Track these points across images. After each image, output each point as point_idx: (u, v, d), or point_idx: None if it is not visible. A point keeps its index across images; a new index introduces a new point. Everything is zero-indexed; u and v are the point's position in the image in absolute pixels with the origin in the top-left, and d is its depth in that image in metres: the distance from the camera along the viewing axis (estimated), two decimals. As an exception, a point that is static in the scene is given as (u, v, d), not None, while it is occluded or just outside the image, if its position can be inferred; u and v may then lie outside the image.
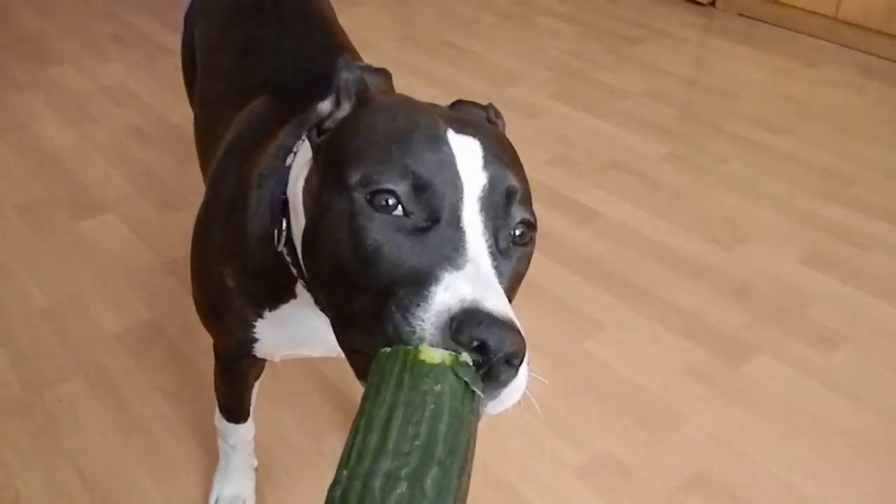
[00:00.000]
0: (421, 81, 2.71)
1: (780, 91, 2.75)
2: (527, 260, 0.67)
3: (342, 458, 0.48)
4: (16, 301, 1.66)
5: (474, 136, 0.67)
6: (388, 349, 0.53)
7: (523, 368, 0.57)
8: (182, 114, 2.40)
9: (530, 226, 0.67)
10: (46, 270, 1.75)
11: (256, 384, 1.17)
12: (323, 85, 0.78)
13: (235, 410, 1.18)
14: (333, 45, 1.20)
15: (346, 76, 0.74)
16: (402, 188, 0.61)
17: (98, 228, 1.89)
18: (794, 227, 2.01)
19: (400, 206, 0.61)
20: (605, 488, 1.32)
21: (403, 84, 2.66)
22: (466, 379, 0.51)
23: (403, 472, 0.45)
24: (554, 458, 1.37)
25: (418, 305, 0.55)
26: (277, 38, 1.15)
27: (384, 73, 0.78)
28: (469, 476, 0.49)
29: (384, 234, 0.60)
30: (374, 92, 0.74)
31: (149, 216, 1.95)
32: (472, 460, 0.50)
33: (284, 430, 1.41)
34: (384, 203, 0.61)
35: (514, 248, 0.65)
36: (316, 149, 0.72)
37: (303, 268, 0.75)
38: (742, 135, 2.44)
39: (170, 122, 2.38)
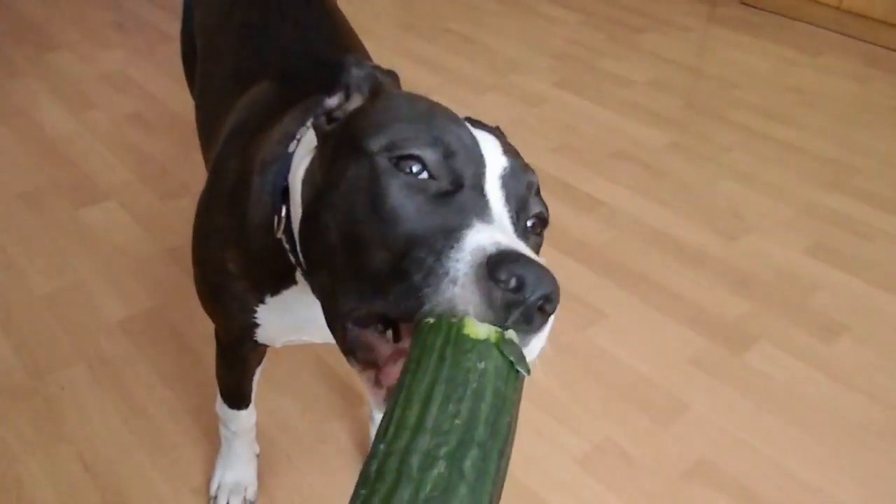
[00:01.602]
0: (423, 69, 2.70)
1: (783, 81, 2.74)
2: (537, 250, 0.67)
3: (378, 431, 0.47)
4: (18, 288, 1.66)
5: (489, 132, 0.70)
6: (431, 321, 0.50)
7: (551, 320, 0.55)
8: (183, 101, 2.39)
9: (543, 221, 0.68)
10: (48, 258, 1.75)
11: (258, 371, 1.17)
12: (326, 71, 0.78)
13: (237, 397, 1.18)
14: (335, 30, 1.19)
15: (357, 72, 0.74)
16: (429, 155, 0.61)
17: (100, 216, 1.89)
18: (798, 217, 2.01)
19: (426, 172, 0.61)
20: (608, 476, 1.32)
21: (406, 72, 2.65)
22: (511, 358, 0.49)
23: (442, 451, 0.44)
24: (556, 445, 1.37)
25: (452, 247, 0.54)
26: (279, 24, 1.14)
27: (393, 75, 0.78)
28: (508, 460, 0.47)
29: (408, 194, 0.60)
30: (387, 88, 0.74)
31: (150, 203, 1.94)
32: (512, 444, 0.48)
33: (286, 416, 1.41)
34: (409, 168, 0.61)
35: (529, 234, 0.66)
36: (324, 136, 0.72)
37: (300, 256, 0.74)
38: (746, 124, 2.43)
39: (171, 109, 2.37)
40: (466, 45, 2.91)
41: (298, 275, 0.83)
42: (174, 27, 2.97)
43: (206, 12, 1.29)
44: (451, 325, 0.49)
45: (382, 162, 0.61)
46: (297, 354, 1.52)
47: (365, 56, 1.21)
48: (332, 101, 0.74)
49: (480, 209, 0.59)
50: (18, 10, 3.06)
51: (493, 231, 0.55)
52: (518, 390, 0.50)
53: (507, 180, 0.64)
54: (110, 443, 1.33)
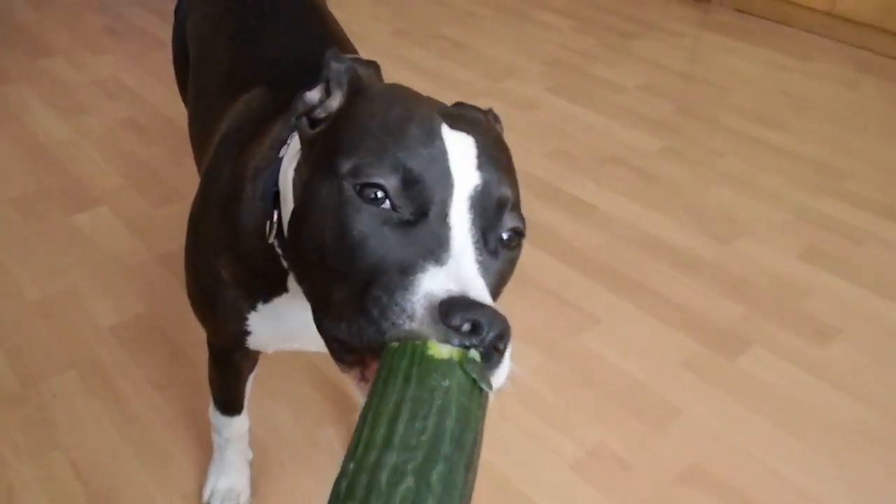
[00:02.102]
0: (416, 75, 2.70)
1: (775, 86, 2.75)
2: (512, 264, 0.67)
3: (349, 450, 0.48)
4: (9, 294, 1.65)
5: (469, 133, 0.67)
6: (396, 344, 0.53)
7: (507, 355, 0.57)
8: (176, 106, 2.39)
9: (519, 233, 0.67)
10: (40, 264, 1.74)
11: (250, 377, 1.17)
12: (318, 77, 0.77)
13: (229, 403, 1.18)
14: (328, 36, 1.19)
15: (336, 66, 0.73)
16: (391, 183, 0.61)
17: (92, 222, 1.88)
18: (790, 221, 2.01)
19: (388, 200, 0.61)
20: (602, 481, 1.32)
21: (399, 78, 2.66)
22: (474, 375, 0.51)
23: (410, 466, 0.45)
24: (550, 450, 1.37)
25: (406, 289, 0.55)
26: (272, 30, 1.14)
27: (374, 65, 0.78)
28: (475, 473, 0.49)
29: (370, 225, 0.60)
30: (367, 82, 0.73)
31: (143, 209, 1.94)
32: (478, 457, 0.50)
33: (279, 423, 1.40)
34: (373, 196, 0.61)
35: (501, 251, 0.65)
36: (308, 140, 0.72)
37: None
38: (738, 129, 2.44)
39: (164, 115, 2.36)
40: (459, 51, 2.92)
41: (290, 282, 0.83)
42: (167, 33, 2.96)
43: (199, 19, 1.29)
44: (415, 346, 0.52)
45: (348, 189, 0.61)
46: (290, 361, 1.52)
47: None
48: (313, 96, 0.73)
49: (439, 245, 0.59)
50: (11, 16, 3.05)
51: (446, 276, 0.56)
52: (482, 406, 0.52)
53: (477, 200, 0.63)
54: (102, 450, 1.33)
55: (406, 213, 0.61)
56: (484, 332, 0.53)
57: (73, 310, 1.61)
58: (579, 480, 1.32)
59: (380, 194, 0.61)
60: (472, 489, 0.49)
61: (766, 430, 1.43)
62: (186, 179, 2.05)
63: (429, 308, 0.54)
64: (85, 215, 1.91)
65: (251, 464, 1.30)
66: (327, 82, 0.73)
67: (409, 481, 0.45)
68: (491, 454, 1.35)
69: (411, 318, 0.54)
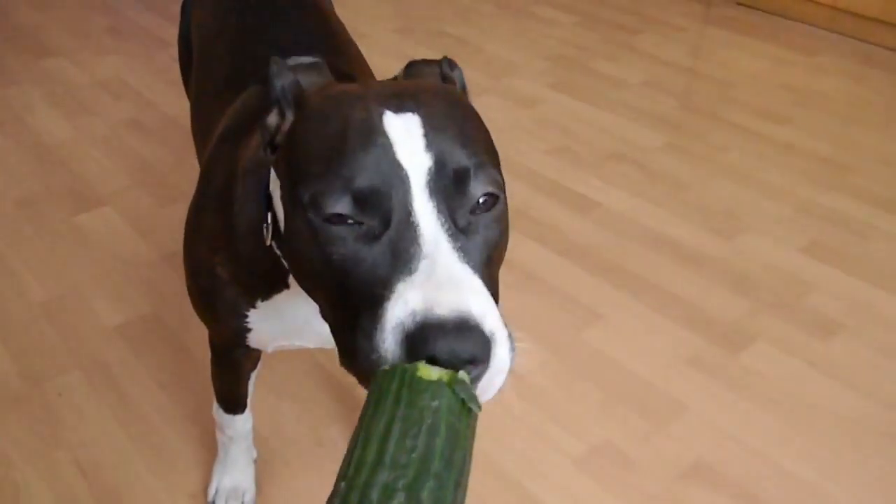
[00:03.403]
0: (419, 73, 2.69)
1: (778, 80, 2.75)
2: (497, 223, 0.63)
3: (340, 470, 0.49)
4: (14, 295, 1.66)
5: (415, 110, 0.64)
6: (386, 368, 0.54)
7: (501, 350, 0.56)
8: (180, 106, 2.39)
9: (494, 196, 0.63)
10: (45, 264, 1.75)
11: (253, 375, 1.17)
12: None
13: (232, 401, 1.18)
14: (329, 34, 1.19)
15: (279, 83, 0.70)
16: (346, 207, 0.60)
17: (96, 222, 1.89)
18: (794, 216, 2.01)
19: (350, 219, 0.60)
20: (606, 477, 1.32)
21: (401, 75, 2.66)
22: (463, 396, 0.52)
23: (401, 483, 0.46)
24: (553, 447, 1.37)
25: (375, 328, 0.56)
26: (273, 28, 1.14)
27: (317, 66, 0.74)
28: (465, 490, 0.50)
29: (344, 247, 0.60)
30: (308, 94, 0.70)
31: (147, 209, 1.94)
32: (468, 475, 0.51)
33: (283, 421, 1.41)
34: (337, 219, 0.60)
35: (479, 218, 0.62)
36: (274, 166, 0.72)
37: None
38: (741, 124, 2.44)
39: (167, 115, 2.37)
40: (461, 48, 2.92)
41: (291, 279, 0.83)
42: (170, 33, 2.97)
43: (203, 16, 1.30)
44: (405, 369, 0.52)
45: (314, 220, 0.61)
46: (294, 359, 1.52)
47: (358, 58, 1.21)
48: (272, 121, 0.72)
49: (405, 251, 0.58)
50: (14, 18, 3.06)
51: (413, 289, 0.55)
52: (471, 426, 0.53)
53: (435, 182, 0.60)
54: (108, 449, 1.33)
55: (372, 224, 0.60)
56: (456, 359, 0.53)
57: (78, 310, 1.62)
58: (583, 477, 1.32)
59: (340, 217, 0.60)
60: None
61: (770, 426, 1.43)
62: (190, 179, 2.05)
63: (399, 343, 0.55)
64: (89, 216, 1.91)
65: (256, 462, 1.31)
66: (278, 103, 0.71)
67: (401, 498, 0.45)
68: (493, 450, 1.35)
69: (385, 357, 0.55)
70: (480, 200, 0.62)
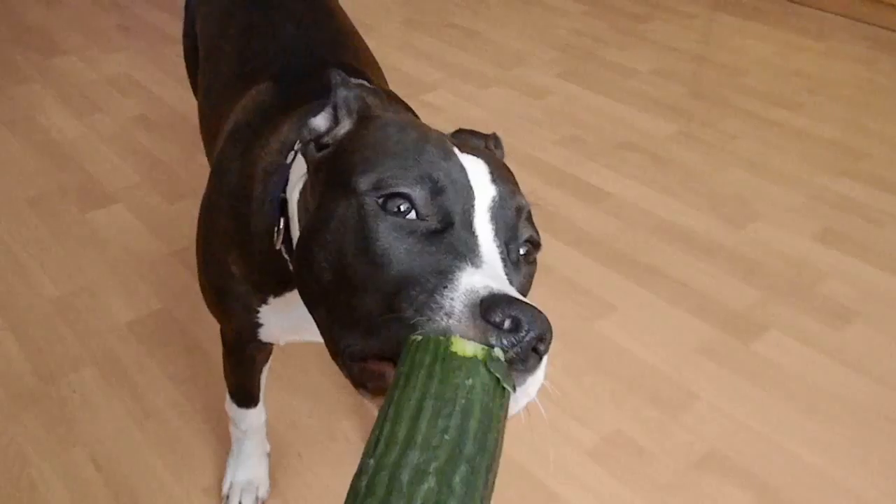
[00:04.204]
0: (427, 65, 2.69)
1: (789, 66, 2.72)
2: (530, 279, 0.67)
3: (368, 446, 0.47)
4: (28, 292, 1.67)
5: (478, 156, 0.68)
6: (419, 337, 0.51)
7: (545, 360, 0.56)
8: (189, 102, 2.40)
9: (536, 245, 0.67)
10: (57, 262, 1.76)
11: (265, 369, 1.17)
12: (326, 72, 0.77)
13: (245, 395, 1.18)
14: (337, 29, 1.19)
15: (344, 93, 0.73)
16: (417, 192, 0.61)
17: (107, 219, 1.90)
18: (806, 203, 1.99)
19: (414, 211, 0.60)
20: (618, 468, 1.32)
21: (410, 68, 2.65)
22: (498, 375, 0.50)
23: (432, 466, 0.44)
24: (567, 438, 1.37)
25: (445, 287, 0.54)
26: (279, 23, 1.14)
27: (379, 94, 0.78)
28: (496, 476, 0.48)
29: (397, 236, 0.59)
30: (376, 110, 0.73)
31: (157, 205, 1.95)
32: (499, 459, 0.49)
33: (296, 415, 1.41)
34: (397, 208, 0.60)
35: (521, 264, 0.65)
36: (315, 164, 0.71)
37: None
38: (752, 111, 2.42)
39: (176, 111, 2.37)
40: (470, 39, 2.91)
41: None
42: (178, 29, 2.97)
43: (208, 13, 1.30)
44: (438, 342, 0.50)
45: (370, 203, 0.61)
46: (306, 353, 1.52)
47: (366, 54, 1.21)
48: (319, 123, 0.73)
49: (470, 251, 0.58)
50: (23, 16, 3.07)
51: (484, 275, 0.55)
52: (504, 407, 0.51)
53: (496, 211, 0.63)
54: (122, 444, 1.34)
55: (433, 222, 0.60)
56: (524, 331, 0.51)
57: (91, 307, 1.63)
58: (596, 467, 1.32)
59: (404, 206, 0.60)
60: (492, 491, 0.47)
61: (783, 414, 1.42)
62: (200, 175, 2.06)
63: (469, 305, 0.52)
64: (100, 212, 1.92)
65: (269, 456, 1.31)
66: (335, 108, 0.73)
67: (431, 482, 0.43)
68: (506, 442, 1.35)
69: (449, 314, 0.52)
70: (523, 250, 0.65)
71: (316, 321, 0.66)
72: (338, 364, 0.61)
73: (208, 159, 1.16)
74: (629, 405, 1.43)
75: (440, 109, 2.34)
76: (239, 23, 1.19)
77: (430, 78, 2.57)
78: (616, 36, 2.95)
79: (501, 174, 0.67)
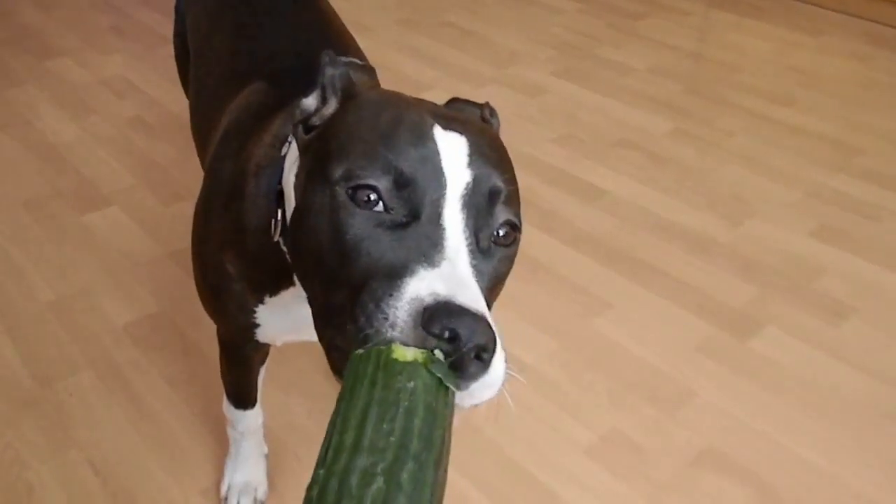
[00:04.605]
0: (423, 64, 2.69)
1: (785, 62, 2.72)
2: (509, 261, 0.66)
3: (319, 457, 0.48)
4: (24, 296, 1.66)
5: (461, 132, 0.66)
6: (361, 351, 0.53)
7: (499, 363, 0.56)
8: (184, 103, 2.38)
9: (514, 227, 0.66)
10: (53, 264, 1.75)
11: (262, 370, 1.17)
12: (317, 70, 0.77)
13: (242, 396, 1.18)
14: (327, 28, 1.19)
15: (331, 72, 0.73)
16: (383, 184, 0.61)
17: (103, 221, 1.89)
18: (802, 200, 1.99)
19: (381, 202, 0.61)
20: (616, 466, 1.32)
21: (406, 67, 2.65)
22: (439, 375, 0.51)
23: (380, 467, 0.46)
24: (564, 436, 1.37)
25: (391, 295, 0.55)
26: (269, 23, 1.14)
27: (369, 70, 0.77)
28: (446, 469, 0.49)
29: (363, 228, 0.60)
30: (360, 88, 0.73)
31: (153, 207, 1.95)
32: (448, 453, 0.50)
33: (294, 416, 1.41)
34: (366, 199, 0.61)
35: (495, 248, 0.64)
36: (303, 146, 0.72)
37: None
38: (748, 108, 2.42)
39: (171, 113, 2.37)
40: (465, 37, 2.90)
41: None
42: (172, 30, 2.97)
43: (198, 14, 1.29)
44: (380, 352, 0.52)
45: (340, 194, 0.61)
46: (303, 354, 1.52)
47: (357, 53, 1.20)
48: (310, 103, 0.73)
49: (432, 246, 0.58)
50: (17, 19, 3.06)
51: (437, 276, 0.56)
52: (449, 404, 0.52)
53: (469, 198, 0.62)
54: (120, 447, 1.34)
55: (399, 214, 0.61)
56: (463, 343, 0.52)
57: (87, 309, 1.63)
58: (593, 465, 1.32)
59: (372, 196, 0.61)
60: (443, 485, 0.49)
61: (781, 411, 1.42)
62: (196, 176, 2.04)
63: (412, 313, 0.53)
64: (96, 215, 1.92)
65: (267, 457, 1.31)
66: (323, 88, 0.73)
67: (380, 482, 0.45)
68: (503, 440, 1.35)
69: (393, 325, 0.53)
70: (501, 232, 0.64)
71: (309, 301, 0.67)
72: (324, 347, 0.62)
73: (200, 159, 1.16)
74: (627, 403, 1.43)
75: (436, 109, 2.33)
76: (229, 23, 1.19)
77: (426, 77, 2.57)
78: (612, 34, 2.95)
79: (482, 153, 0.66)
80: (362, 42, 1.29)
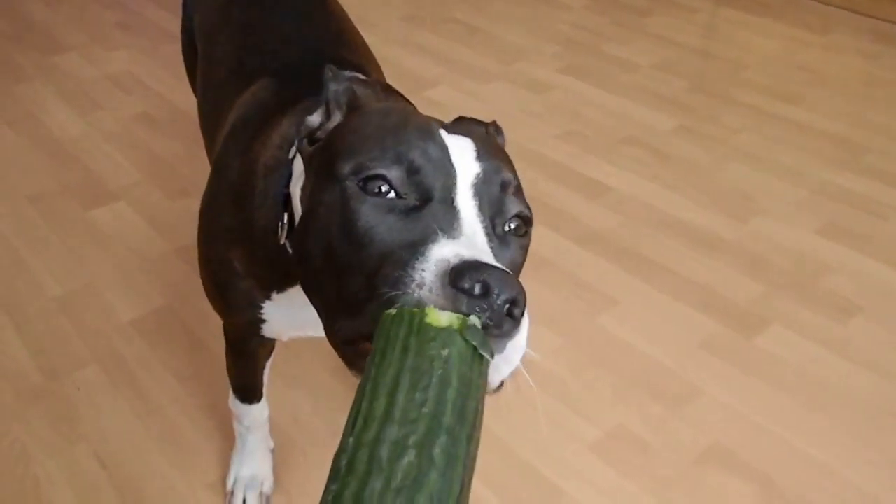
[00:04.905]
0: (428, 60, 2.69)
1: (792, 60, 2.72)
2: (524, 251, 0.66)
3: (347, 424, 0.46)
4: (31, 291, 1.67)
5: (466, 136, 0.68)
6: (394, 311, 0.51)
7: (524, 324, 0.55)
8: (190, 99, 2.39)
9: (526, 220, 0.66)
10: (60, 260, 1.76)
11: (268, 364, 1.18)
12: (323, 69, 0.77)
13: (248, 391, 1.19)
14: (335, 25, 1.19)
15: (334, 87, 0.73)
16: (393, 173, 0.61)
17: (110, 216, 1.90)
18: (809, 197, 1.99)
19: (393, 191, 0.61)
20: (621, 463, 1.32)
21: (411, 64, 2.65)
22: (475, 342, 0.49)
23: (411, 440, 0.44)
24: (569, 433, 1.37)
25: (417, 259, 0.54)
26: (277, 20, 1.14)
27: (373, 84, 0.78)
28: (477, 444, 0.48)
29: (376, 215, 0.60)
30: (364, 101, 0.74)
31: (160, 203, 1.95)
32: (480, 427, 0.48)
33: (299, 411, 1.41)
34: (377, 189, 0.61)
35: (510, 237, 0.64)
36: (308, 158, 0.72)
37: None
38: (754, 105, 2.41)
39: (178, 108, 2.37)
40: (471, 34, 2.90)
41: None
42: (178, 26, 2.97)
43: (205, 10, 1.30)
44: (413, 314, 0.50)
45: (351, 187, 0.62)
46: (309, 349, 1.52)
47: (364, 49, 1.21)
48: (314, 120, 0.74)
49: (447, 223, 0.58)
50: (23, 15, 3.07)
51: (458, 245, 0.55)
52: (483, 374, 0.50)
53: (480, 187, 0.63)
54: (126, 441, 1.35)
55: (412, 199, 0.61)
56: (494, 295, 0.51)
57: (94, 304, 1.63)
58: (599, 462, 1.32)
59: (384, 187, 0.61)
60: (474, 461, 0.47)
61: (786, 409, 1.42)
62: (202, 172, 2.05)
63: (439, 274, 0.52)
64: (102, 210, 1.92)
65: (273, 452, 1.31)
66: (327, 104, 0.74)
67: (411, 455, 0.43)
68: (509, 436, 1.35)
69: (420, 285, 0.52)
70: (513, 224, 0.65)
71: (315, 309, 0.66)
72: (334, 347, 0.62)
73: (208, 155, 1.16)
74: (632, 400, 1.43)
75: (442, 105, 2.34)
76: (237, 18, 1.19)
77: (432, 74, 2.57)
78: (617, 30, 2.94)
79: (489, 151, 0.67)
80: (367, 38, 1.29)
